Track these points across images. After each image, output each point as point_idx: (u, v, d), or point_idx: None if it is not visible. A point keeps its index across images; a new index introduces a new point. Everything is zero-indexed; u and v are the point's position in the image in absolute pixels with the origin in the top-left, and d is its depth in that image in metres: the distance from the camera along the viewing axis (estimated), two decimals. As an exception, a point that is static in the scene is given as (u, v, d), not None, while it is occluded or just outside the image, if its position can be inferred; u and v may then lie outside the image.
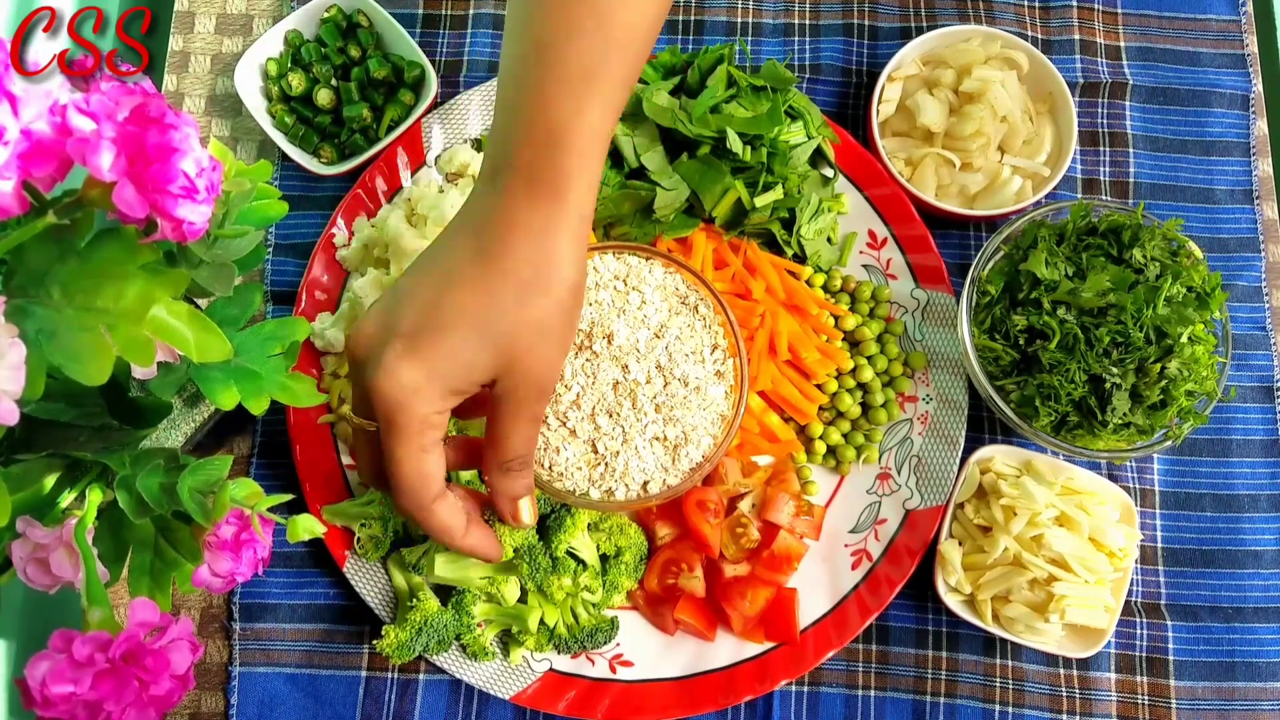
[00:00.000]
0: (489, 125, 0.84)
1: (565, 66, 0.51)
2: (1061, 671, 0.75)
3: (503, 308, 0.51)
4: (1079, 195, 0.85)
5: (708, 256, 0.80)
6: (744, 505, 0.76)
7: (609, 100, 0.52)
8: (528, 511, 0.58)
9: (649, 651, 0.75)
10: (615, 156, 0.79)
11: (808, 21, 0.90)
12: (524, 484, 0.57)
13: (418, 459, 0.52)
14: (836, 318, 0.80)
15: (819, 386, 0.78)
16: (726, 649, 0.74)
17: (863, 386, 0.79)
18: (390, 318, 0.52)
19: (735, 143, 0.76)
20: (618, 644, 0.75)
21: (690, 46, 0.89)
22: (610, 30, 0.51)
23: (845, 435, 0.79)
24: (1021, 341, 0.70)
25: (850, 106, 0.88)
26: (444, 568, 0.72)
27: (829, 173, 0.81)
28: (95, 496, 0.50)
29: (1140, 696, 0.75)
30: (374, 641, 0.71)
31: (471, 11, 0.90)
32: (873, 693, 0.75)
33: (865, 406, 0.79)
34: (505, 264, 0.51)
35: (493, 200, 0.52)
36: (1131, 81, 0.87)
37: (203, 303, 0.63)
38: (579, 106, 0.51)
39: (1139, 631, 0.76)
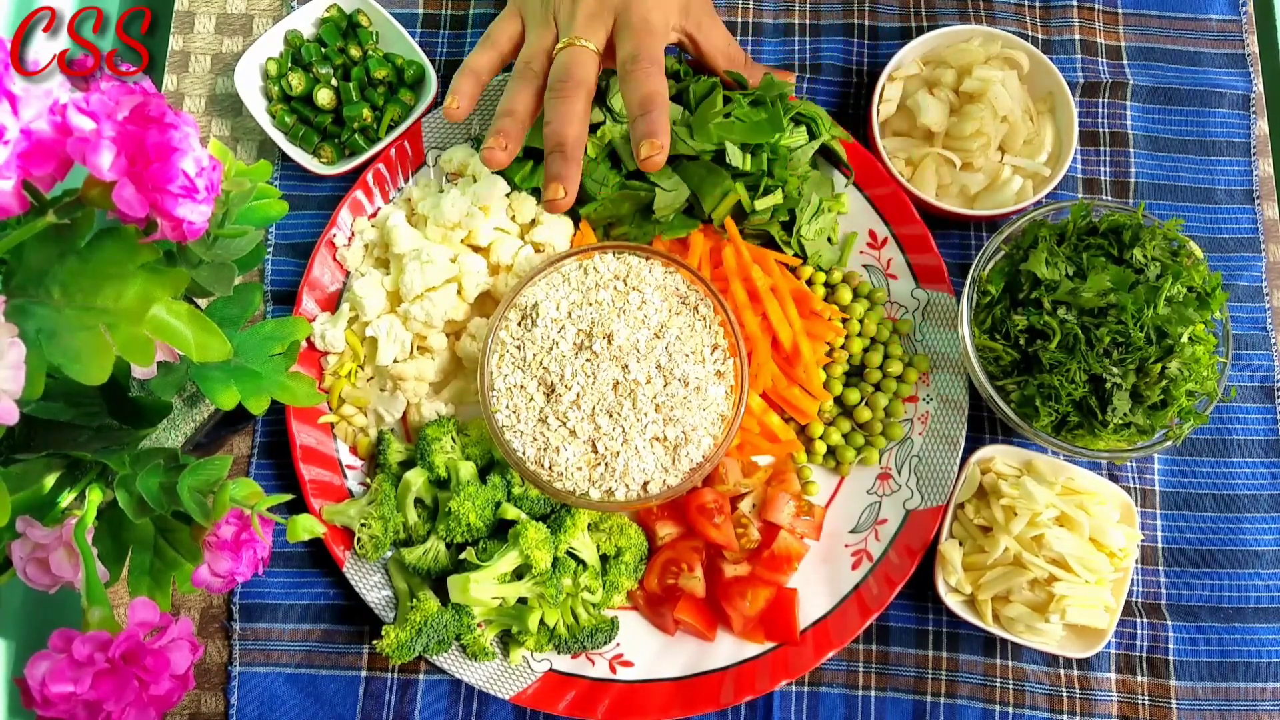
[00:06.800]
0: (488, 124, 0.84)
1: None
2: (1062, 672, 0.75)
3: None
4: (1079, 195, 0.85)
5: (704, 255, 0.80)
6: (744, 505, 0.76)
7: None
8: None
9: (649, 652, 0.75)
10: (615, 157, 0.79)
11: (808, 21, 0.90)
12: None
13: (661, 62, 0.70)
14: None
15: (825, 382, 0.78)
16: (726, 649, 0.74)
17: (863, 386, 0.79)
18: None
19: (735, 156, 0.75)
20: (618, 644, 0.75)
21: (690, 46, 0.89)
22: None
23: (845, 435, 0.79)
24: (1022, 341, 0.70)
25: (850, 106, 0.88)
26: (479, 589, 0.70)
27: (841, 180, 0.81)
28: (95, 496, 0.50)
29: (1140, 697, 0.75)
30: (374, 641, 0.71)
31: (471, 11, 0.90)
32: (873, 693, 0.75)
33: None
34: None
35: None
36: (1132, 81, 0.87)
37: (202, 302, 0.63)
38: None
39: (1139, 632, 0.76)
